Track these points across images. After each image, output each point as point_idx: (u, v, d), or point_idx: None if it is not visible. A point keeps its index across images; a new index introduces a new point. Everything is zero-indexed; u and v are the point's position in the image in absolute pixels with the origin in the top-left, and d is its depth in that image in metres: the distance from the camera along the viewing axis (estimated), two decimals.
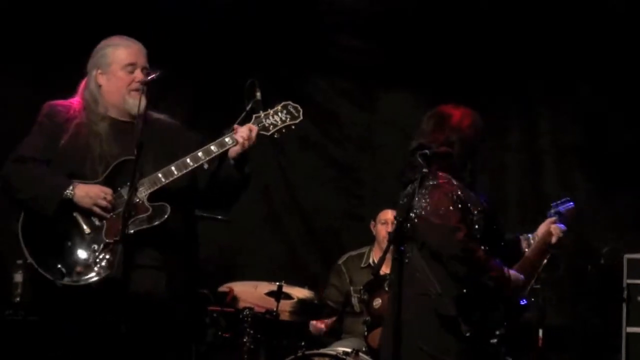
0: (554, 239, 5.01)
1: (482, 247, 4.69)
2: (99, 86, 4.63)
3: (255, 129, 4.53)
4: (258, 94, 4.56)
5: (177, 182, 4.56)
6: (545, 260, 6.04)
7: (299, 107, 4.65)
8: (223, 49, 7.85)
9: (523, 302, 5.01)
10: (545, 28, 7.70)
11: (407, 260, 4.61)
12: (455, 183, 4.68)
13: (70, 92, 4.87)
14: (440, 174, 4.68)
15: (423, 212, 4.62)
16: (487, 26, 7.75)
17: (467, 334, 4.53)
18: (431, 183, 4.66)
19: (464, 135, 4.73)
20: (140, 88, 4.56)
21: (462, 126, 4.75)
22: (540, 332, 6.49)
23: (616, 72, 7.58)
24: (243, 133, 4.51)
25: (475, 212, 4.68)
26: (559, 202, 5.19)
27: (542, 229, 5.07)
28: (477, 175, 4.84)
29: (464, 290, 4.56)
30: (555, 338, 7.01)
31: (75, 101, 4.70)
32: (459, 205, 4.63)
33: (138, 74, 4.61)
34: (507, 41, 7.78)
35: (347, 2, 7.88)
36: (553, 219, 5.08)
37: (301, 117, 4.65)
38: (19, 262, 6.65)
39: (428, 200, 4.64)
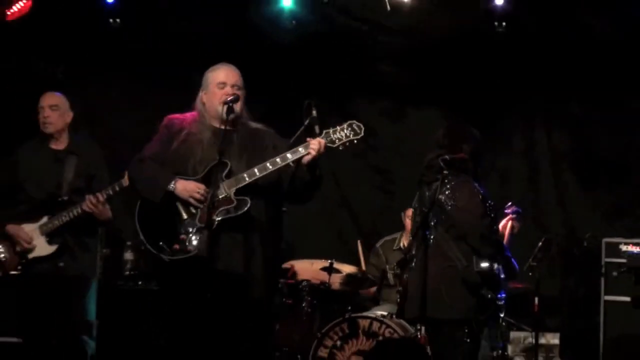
0: (515, 230, 5.76)
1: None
2: (203, 104, 5.11)
3: (323, 142, 4.82)
4: (314, 112, 4.88)
5: (263, 180, 4.88)
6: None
7: (362, 126, 4.86)
8: (288, 76, 8.32)
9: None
10: (542, 59, 8.11)
11: (432, 241, 5.12)
12: (474, 182, 5.19)
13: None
14: (462, 174, 5.16)
15: (456, 203, 5.07)
16: (497, 57, 8.11)
17: (489, 296, 5.10)
18: (460, 180, 5.10)
19: (473, 146, 5.27)
20: (225, 101, 4.96)
21: (471, 139, 5.31)
22: (536, 299, 6.80)
23: (600, 92, 8.02)
24: (314, 145, 4.80)
25: (493, 204, 5.20)
26: (510, 206, 5.84)
27: (504, 222, 5.76)
28: (480, 176, 5.36)
29: (487, 264, 5.04)
30: (548, 304, 7.40)
31: (191, 115, 5.13)
32: (482, 199, 5.12)
33: (228, 90, 5.02)
34: (512, 69, 8.15)
35: (387, 37, 8.20)
36: (514, 215, 5.78)
37: (362, 134, 4.84)
38: (129, 243, 7.51)
39: (458, 194, 5.09)
